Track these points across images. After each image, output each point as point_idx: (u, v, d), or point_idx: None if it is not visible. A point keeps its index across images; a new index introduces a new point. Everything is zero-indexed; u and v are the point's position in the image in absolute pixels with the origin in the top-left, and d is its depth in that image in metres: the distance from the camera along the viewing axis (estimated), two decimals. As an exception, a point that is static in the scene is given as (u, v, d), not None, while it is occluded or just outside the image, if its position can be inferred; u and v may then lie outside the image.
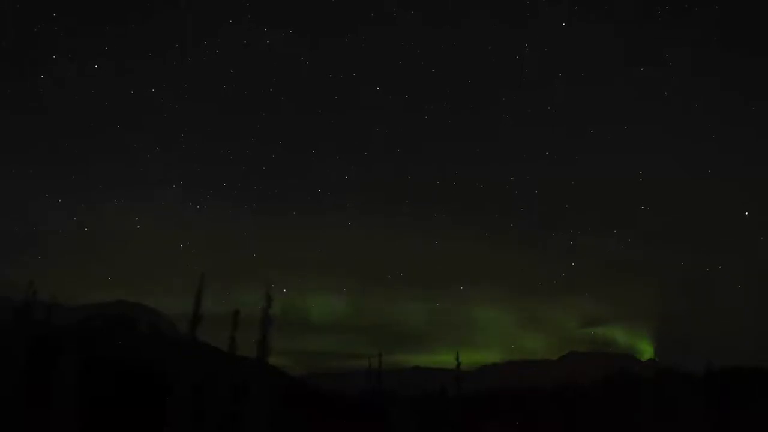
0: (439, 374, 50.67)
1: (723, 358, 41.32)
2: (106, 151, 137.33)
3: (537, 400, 40.23)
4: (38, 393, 26.75)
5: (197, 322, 29.87)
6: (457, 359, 39.95)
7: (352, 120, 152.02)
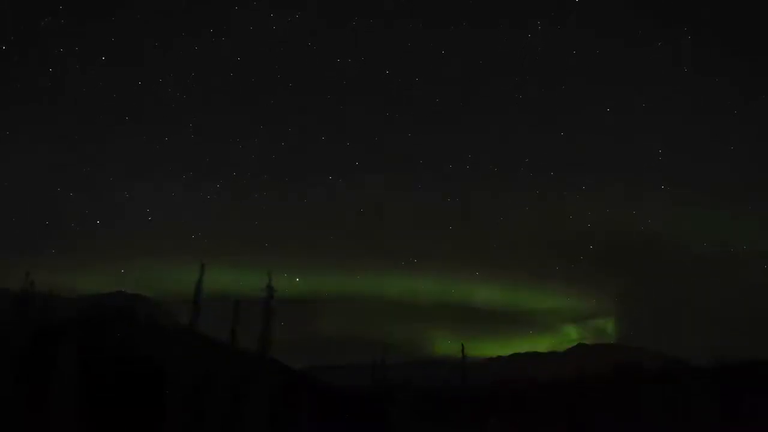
0: (444, 367, 50.88)
1: (731, 351, 41.45)
2: (116, 143, 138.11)
3: (542, 394, 40.44)
4: (37, 386, 27.06)
5: (197, 313, 30.17)
6: (462, 352, 40.19)
7: (362, 104, 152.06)
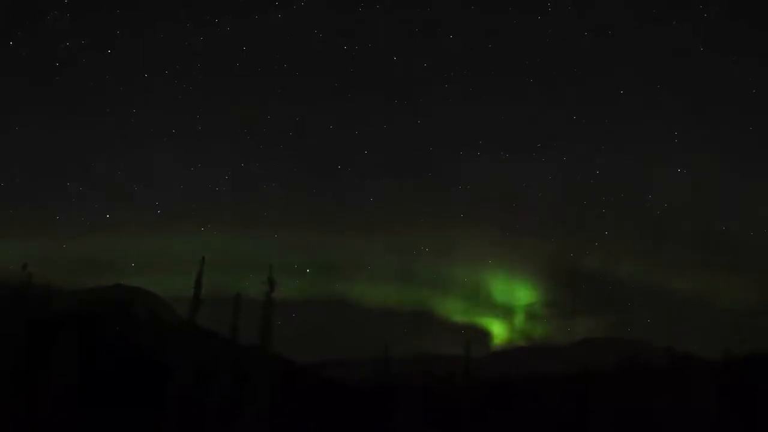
0: (449, 360, 50.97)
1: (741, 344, 41.20)
2: (124, 137, 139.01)
3: (549, 388, 40.46)
4: (34, 380, 27.19)
5: (197, 306, 30.22)
6: (467, 346, 40.29)
7: (370, 93, 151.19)
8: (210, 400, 27.80)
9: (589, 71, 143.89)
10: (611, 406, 35.38)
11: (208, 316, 32.42)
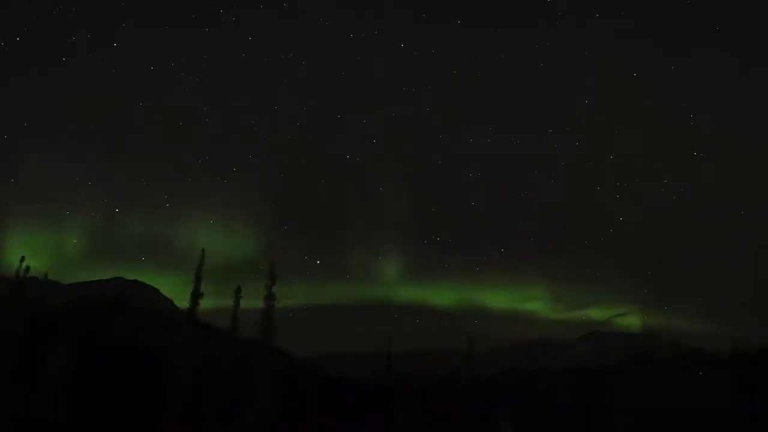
0: (452, 358, 50.87)
1: (749, 339, 41.09)
2: (132, 131, 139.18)
3: (553, 383, 40.37)
4: (33, 375, 27.17)
5: (197, 300, 30.12)
6: (470, 343, 40.24)
7: (377, 80, 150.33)
8: (210, 394, 27.75)
9: (601, 55, 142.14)
10: (617, 402, 35.31)
11: (209, 311, 32.44)
